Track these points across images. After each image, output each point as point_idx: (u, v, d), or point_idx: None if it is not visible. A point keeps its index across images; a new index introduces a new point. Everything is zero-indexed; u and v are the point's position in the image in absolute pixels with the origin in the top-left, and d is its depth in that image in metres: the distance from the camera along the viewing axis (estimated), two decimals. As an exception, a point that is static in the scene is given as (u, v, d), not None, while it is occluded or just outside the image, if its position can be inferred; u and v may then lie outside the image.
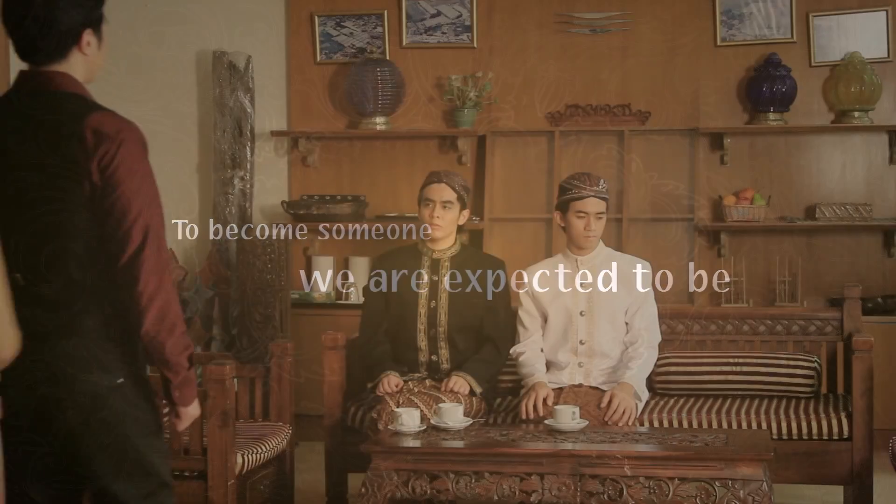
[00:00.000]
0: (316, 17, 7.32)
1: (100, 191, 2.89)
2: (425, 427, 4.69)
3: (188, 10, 7.32)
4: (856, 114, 6.96)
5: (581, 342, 5.18)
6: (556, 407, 4.76)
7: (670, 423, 5.16)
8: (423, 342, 5.26)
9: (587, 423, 4.74)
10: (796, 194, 7.09)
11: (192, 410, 3.06)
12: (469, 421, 4.79)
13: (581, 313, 5.19)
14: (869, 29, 7.01)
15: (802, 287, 6.97)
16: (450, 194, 5.23)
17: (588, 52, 7.18)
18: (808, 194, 7.08)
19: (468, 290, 5.27)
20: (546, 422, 4.77)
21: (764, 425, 5.13)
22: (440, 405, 4.79)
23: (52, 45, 2.96)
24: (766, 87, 6.92)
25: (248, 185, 7.28)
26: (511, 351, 5.25)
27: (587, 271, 5.21)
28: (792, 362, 5.50)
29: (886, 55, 7.00)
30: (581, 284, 5.21)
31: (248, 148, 7.25)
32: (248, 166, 7.27)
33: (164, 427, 3.17)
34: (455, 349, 5.25)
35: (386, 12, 7.26)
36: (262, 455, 4.82)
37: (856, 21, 7.02)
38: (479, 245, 7.02)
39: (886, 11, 6.99)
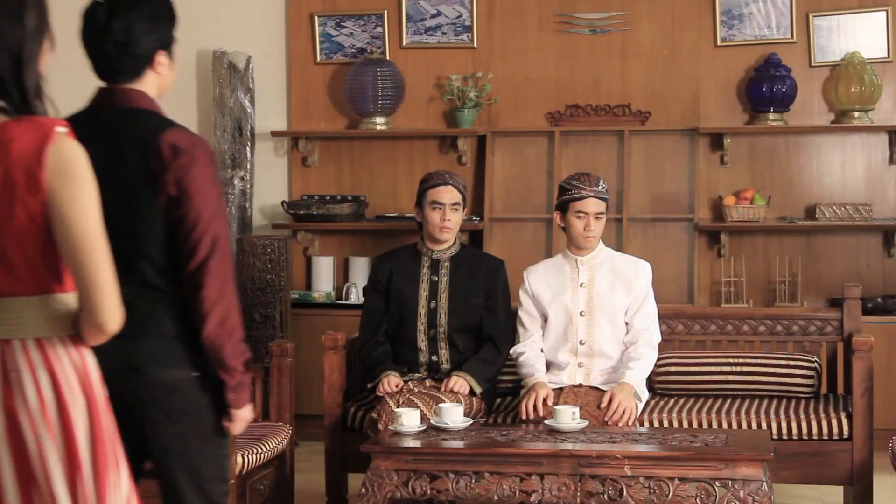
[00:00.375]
0: (316, 17, 7.32)
1: (175, 202, 3.08)
2: (425, 427, 4.70)
3: (188, 10, 7.29)
4: (856, 114, 6.95)
5: (581, 342, 5.18)
6: (556, 407, 4.76)
7: (670, 423, 5.16)
8: (423, 342, 5.26)
9: (587, 423, 4.74)
10: (796, 194, 7.09)
11: (244, 413, 3.20)
12: (469, 421, 4.79)
13: (581, 313, 5.19)
14: (869, 29, 7.01)
15: (802, 287, 6.97)
16: (457, 196, 5.25)
17: (588, 52, 7.18)
18: (808, 194, 7.08)
19: (468, 290, 5.27)
20: (546, 422, 4.77)
21: (764, 425, 5.13)
22: (440, 405, 4.79)
23: (129, 66, 3.18)
24: (766, 87, 6.92)
25: (248, 185, 7.29)
26: (511, 351, 5.25)
27: (587, 271, 5.22)
28: (792, 362, 5.50)
29: (886, 55, 7.00)
30: (581, 284, 5.21)
31: (248, 148, 7.25)
32: (248, 166, 7.27)
33: None
34: (455, 349, 5.25)
35: (386, 12, 7.26)
36: (262, 455, 4.83)
37: (856, 21, 7.02)
38: (479, 245, 7.02)
39: (886, 11, 6.98)
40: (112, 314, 2.57)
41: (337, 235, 7.31)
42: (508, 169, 7.23)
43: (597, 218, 5.15)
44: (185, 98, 7.34)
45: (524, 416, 4.99)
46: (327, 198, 7.24)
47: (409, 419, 4.67)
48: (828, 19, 7.03)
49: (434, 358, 5.27)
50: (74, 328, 2.59)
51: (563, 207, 5.19)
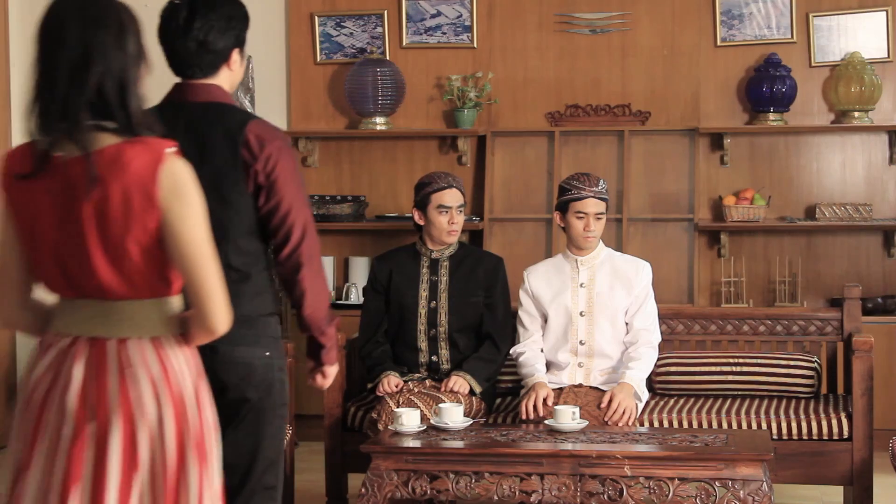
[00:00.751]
0: (316, 17, 7.32)
1: (264, 190, 3.36)
2: (425, 427, 4.70)
3: (188, 10, 7.32)
4: (856, 114, 6.95)
5: (581, 342, 5.18)
6: (556, 407, 4.76)
7: (670, 423, 5.16)
8: (423, 343, 5.27)
9: (587, 423, 4.74)
10: (796, 194, 7.09)
11: (334, 369, 3.60)
12: (469, 421, 4.79)
13: (581, 314, 5.19)
14: (869, 29, 7.01)
15: (802, 287, 6.97)
16: (461, 197, 5.28)
17: (588, 52, 7.18)
18: (808, 194, 7.08)
19: (467, 288, 5.28)
20: (546, 422, 4.77)
21: (764, 425, 5.13)
22: (440, 405, 4.79)
23: (207, 63, 3.45)
24: (766, 87, 6.92)
25: (248, 185, 7.28)
26: (511, 351, 5.26)
27: (587, 271, 5.22)
28: (792, 362, 5.51)
29: (886, 55, 7.00)
30: (581, 285, 5.21)
31: (248, 148, 7.25)
32: (248, 166, 7.26)
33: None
34: (455, 349, 5.25)
35: (386, 12, 7.26)
36: (262, 455, 4.82)
37: (856, 21, 7.02)
38: (480, 245, 7.02)
39: (886, 11, 6.98)
40: (222, 318, 2.80)
41: (337, 235, 7.31)
42: (508, 169, 7.23)
43: (597, 218, 5.15)
44: (185, 98, 7.34)
45: (524, 417, 4.99)
46: (327, 198, 7.24)
47: (409, 419, 4.67)
48: (828, 19, 7.03)
49: (434, 358, 5.27)
50: (183, 327, 2.82)
51: (562, 208, 5.19)
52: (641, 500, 4.34)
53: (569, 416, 4.68)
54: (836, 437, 5.13)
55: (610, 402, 4.96)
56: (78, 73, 2.71)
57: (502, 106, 7.23)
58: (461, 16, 7.23)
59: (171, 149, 2.75)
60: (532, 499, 4.40)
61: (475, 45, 7.24)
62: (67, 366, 2.74)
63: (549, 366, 5.22)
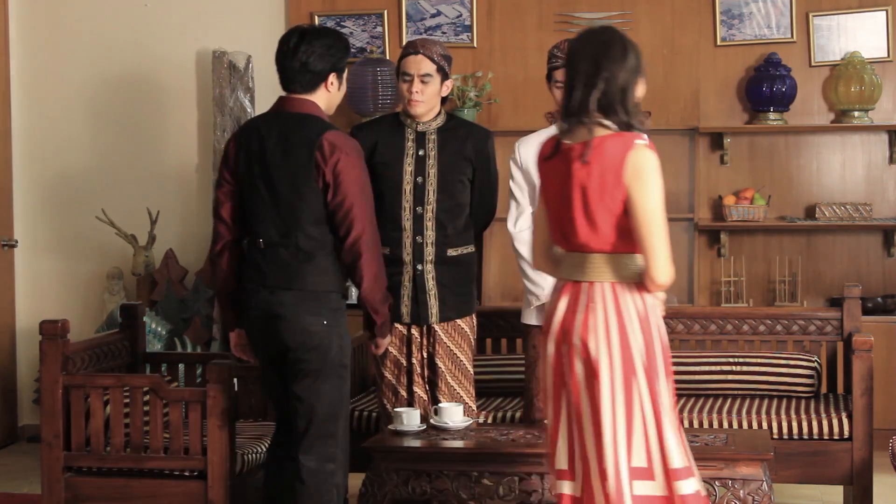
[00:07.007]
0: (316, 17, 7.32)
1: (331, 188, 4.11)
2: (425, 427, 4.69)
3: (188, 10, 7.32)
4: (856, 113, 6.95)
5: None
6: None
7: (670, 422, 5.15)
8: (408, 222, 4.88)
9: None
10: (796, 194, 7.09)
11: (386, 341, 4.49)
12: (469, 421, 4.78)
13: None
14: (869, 29, 7.01)
15: (802, 287, 6.97)
16: (429, 66, 4.88)
17: (588, 51, 7.16)
18: (808, 194, 7.08)
19: (454, 162, 4.96)
20: (546, 421, 4.76)
21: (764, 425, 5.13)
22: (439, 405, 4.78)
23: (306, 81, 4.25)
24: (766, 86, 6.92)
25: (248, 185, 7.29)
26: (509, 228, 4.97)
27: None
28: (792, 362, 5.51)
29: (886, 55, 7.00)
30: None
31: (248, 148, 7.26)
32: (248, 166, 7.26)
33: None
34: (442, 231, 4.90)
35: (386, 12, 7.26)
36: (262, 455, 4.82)
37: (856, 21, 7.02)
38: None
39: (886, 11, 6.98)
40: (661, 271, 3.51)
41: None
42: (508, 169, 7.20)
43: None
44: (185, 98, 7.34)
45: None
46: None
47: (409, 419, 4.67)
48: (828, 19, 7.03)
49: (419, 239, 4.85)
50: (640, 279, 3.56)
51: (548, 78, 5.01)
52: (641, 499, 4.33)
53: (569, 416, 4.66)
54: (836, 437, 5.13)
55: None
56: (590, 80, 3.57)
57: (502, 105, 7.23)
58: (461, 15, 7.23)
59: (640, 141, 3.51)
60: (532, 499, 4.39)
61: (475, 45, 7.24)
62: (556, 299, 3.65)
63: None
